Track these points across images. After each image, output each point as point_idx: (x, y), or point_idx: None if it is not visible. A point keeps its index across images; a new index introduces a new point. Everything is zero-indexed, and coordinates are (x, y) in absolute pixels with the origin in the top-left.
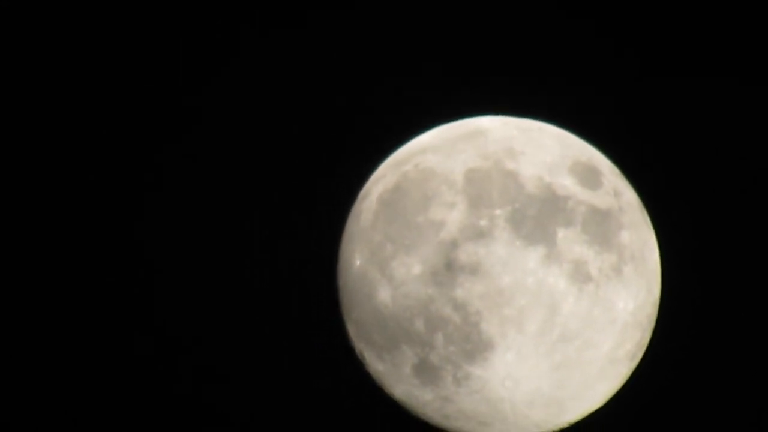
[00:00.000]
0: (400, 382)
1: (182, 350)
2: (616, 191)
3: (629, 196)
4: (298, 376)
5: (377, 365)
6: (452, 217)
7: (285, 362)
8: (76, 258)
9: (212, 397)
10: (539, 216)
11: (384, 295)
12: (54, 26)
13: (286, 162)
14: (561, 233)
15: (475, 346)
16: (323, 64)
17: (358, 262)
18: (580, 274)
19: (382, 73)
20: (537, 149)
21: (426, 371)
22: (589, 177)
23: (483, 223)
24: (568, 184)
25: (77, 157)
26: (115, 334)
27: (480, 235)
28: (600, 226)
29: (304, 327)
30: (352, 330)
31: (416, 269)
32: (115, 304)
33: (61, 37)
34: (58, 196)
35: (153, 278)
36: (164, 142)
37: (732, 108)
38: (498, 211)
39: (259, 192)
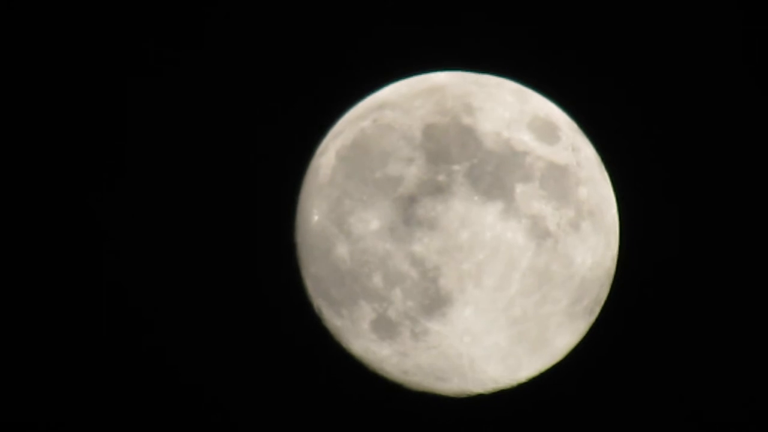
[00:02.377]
0: (358, 337)
1: (138, 310)
2: (575, 147)
3: (587, 151)
4: (255, 332)
5: (335, 321)
6: (410, 172)
7: (242, 318)
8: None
9: (171, 355)
10: (497, 171)
11: (342, 250)
12: None
13: (244, 117)
14: (519, 188)
15: (433, 301)
16: (280, 20)
17: (315, 218)
18: (538, 230)
19: (339, 29)
20: (495, 105)
21: (384, 327)
22: (547, 132)
23: (441, 178)
24: (526, 140)
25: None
26: (83, 296)
27: (438, 190)
28: (558, 182)
29: (261, 282)
30: (309, 285)
31: (374, 225)
32: (72, 258)
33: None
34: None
35: (108, 238)
36: (126, 100)
37: (691, 61)
38: (456, 167)
39: (216, 148)
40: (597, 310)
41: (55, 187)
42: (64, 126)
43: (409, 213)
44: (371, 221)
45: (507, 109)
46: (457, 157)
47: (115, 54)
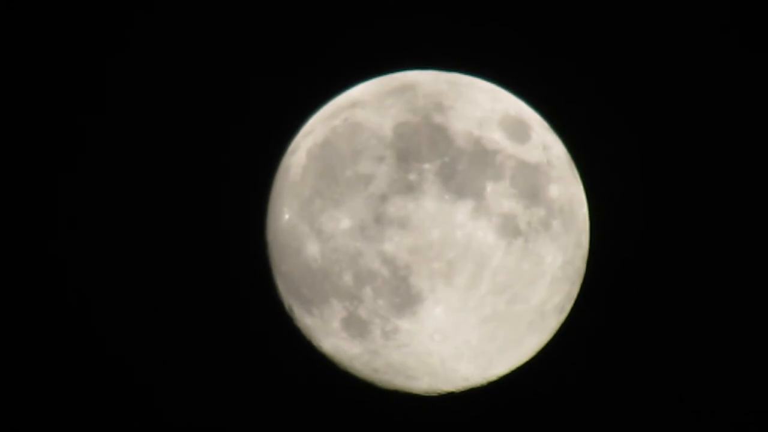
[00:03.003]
0: (329, 335)
1: (105, 310)
2: (545, 145)
3: (558, 150)
4: (226, 330)
5: (306, 319)
6: (381, 171)
7: (213, 316)
8: None
9: (140, 354)
10: (468, 170)
11: (313, 249)
12: None
13: (214, 115)
14: (490, 187)
15: (403, 299)
16: (253, 18)
17: (286, 216)
18: (509, 228)
19: (311, 27)
20: (466, 103)
21: (354, 325)
22: (518, 131)
23: (412, 177)
24: (497, 139)
25: None
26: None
27: (409, 189)
28: (529, 180)
29: (232, 281)
30: (280, 284)
31: (345, 223)
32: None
33: None
34: None
35: (75, 238)
36: (100, 96)
37: (662, 60)
38: (427, 165)
39: (186, 146)
40: (568, 308)
41: (22, 189)
42: (29, 124)
43: (380, 211)
44: (342, 220)
45: (478, 108)
46: (428, 156)
47: (87, 49)
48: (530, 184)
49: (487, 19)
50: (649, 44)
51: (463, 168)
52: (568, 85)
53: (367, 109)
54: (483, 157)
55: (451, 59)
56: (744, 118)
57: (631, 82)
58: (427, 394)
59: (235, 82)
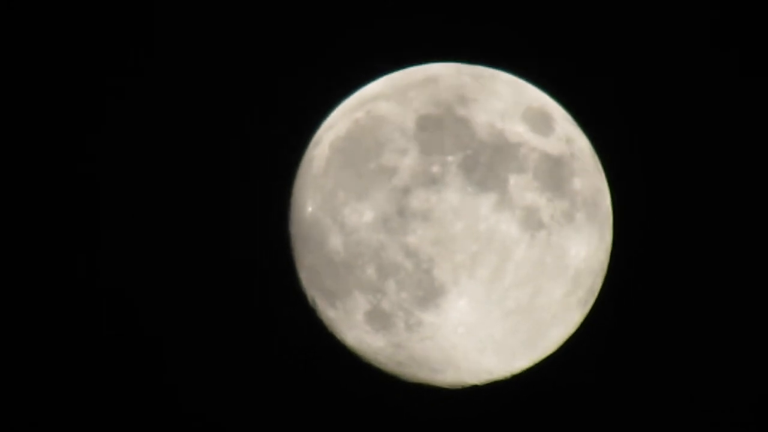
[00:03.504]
0: (352, 328)
1: (132, 302)
2: (568, 138)
3: (581, 142)
4: (249, 323)
5: (329, 312)
6: (404, 163)
7: (236, 309)
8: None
9: (166, 346)
10: (491, 162)
11: (336, 241)
12: None
13: (239, 109)
14: (513, 180)
15: (427, 292)
16: (275, 11)
17: (310, 209)
18: (532, 221)
19: (334, 20)
20: (489, 96)
21: (378, 318)
22: (541, 124)
23: (435, 169)
24: (520, 131)
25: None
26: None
27: (432, 181)
28: (552, 173)
29: (255, 274)
30: (304, 277)
31: (368, 216)
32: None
33: None
34: None
35: (102, 232)
36: (122, 94)
37: (686, 53)
38: (450, 158)
39: (211, 140)
40: (591, 301)
41: (50, 188)
42: (56, 123)
43: (403, 204)
44: (365, 212)
45: (501, 101)
46: (451, 149)
47: (108, 47)
48: (553, 177)
49: (511, 12)
50: (674, 37)
51: (486, 160)
52: (592, 77)
53: (390, 101)
54: (506, 150)
55: (473, 52)
56: None
57: (656, 74)
58: (450, 387)
59: (258, 76)
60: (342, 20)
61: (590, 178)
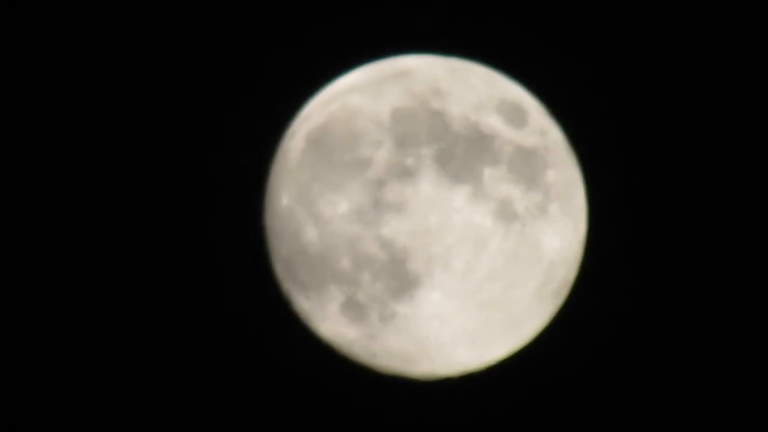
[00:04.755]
0: (327, 320)
1: (99, 299)
2: (542, 130)
3: (555, 135)
4: (223, 316)
5: (304, 304)
6: (379, 155)
7: (210, 301)
8: None
9: (135, 343)
10: (466, 155)
11: (311, 233)
12: None
13: (214, 100)
14: (487, 172)
15: (401, 284)
16: (247, 3)
17: (284, 201)
18: (506, 213)
19: (308, 12)
20: (463, 89)
21: (352, 309)
22: (515, 116)
23: (410, 161)
24: (494, 123)
25: None
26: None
27: (407, 173)
28: (526, 165)
29: (229, 266)
30: (278, 269)
31: (343, 208)
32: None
33: None
34: None
35: (66, 223)
36: (92, 84)
37: (660, 43)
38: (425, 150)
39: (185, 130)
40: (564, 293)
41: (18, 186)
42: (27, 122)
43: (377, 196)
44: (340, 204)
45: (475, 93)
46: (425, 141)
47: (85, 35)
48: (528, 169)
49: (485, 4)
50: (649, 29)
51: (461, 153)
52: (566, 70)
53: (364, 94)
54: (480, 142)
55: (447, 44)
56: (749, 106)
57: (632, 65)
58: (425, 379)
59: (232, 67)
60: (315, 13)
61: (564, 170)
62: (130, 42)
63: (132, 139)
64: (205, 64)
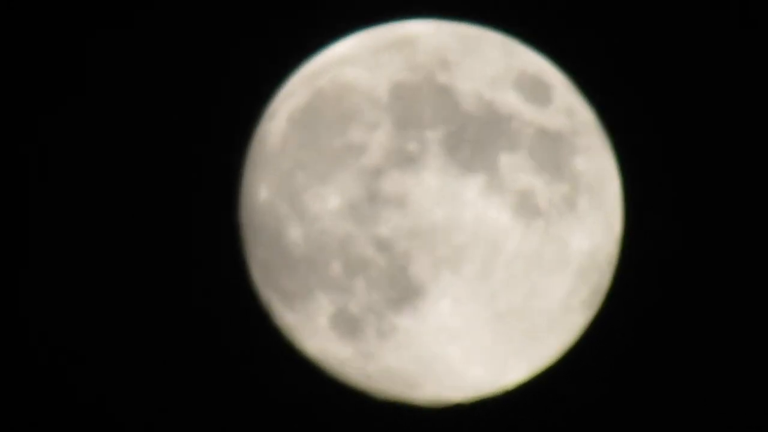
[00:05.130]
0: (314, 335)
1: (58, 304)
2: (570, 110)
3: (585, 115)
4: (192, 330)
5: (287, 316)
6: (375, 140)
7: (179, 313)
8: None
9: (99, 354)
10: (478, 139)
11: (295, 232)
12: None
13: (179, 75)
14: (504, 159)
15: (402, 292)
16: None
17: (264, 194)
18: (526, 208)
19: None
20: (476, 60)
21: (344, 323)
22: (537, 92)
23: (412, 147)
24: (512, 101)
25: None
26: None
27: (408, 161)
28: (550, 151)
29: (200, 271)
30: (257, 274)
31: (333, 202)
32: None
33: None
34: None
35: (30, 219)
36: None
37: (712, 15)
38: (429, 133)
39: (145, 111)
40: (597, 303)
41: None
42: None
43: (374, 188)
44: (329, 198)
45: (490, 65)
46: (430, 122)
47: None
48: (552, 156)
49: None
50: None
51: (472, 136)
52: (598, 38)
53: (359, 66)
54: (496, 124)
55: (457, 6)
56: None
57: (676, 34)
58: (430, 405)
59: (201, 35)
60: None
61: (596, 157)
62: (87, 20)
63: (87, 128)
64: (168, 29)
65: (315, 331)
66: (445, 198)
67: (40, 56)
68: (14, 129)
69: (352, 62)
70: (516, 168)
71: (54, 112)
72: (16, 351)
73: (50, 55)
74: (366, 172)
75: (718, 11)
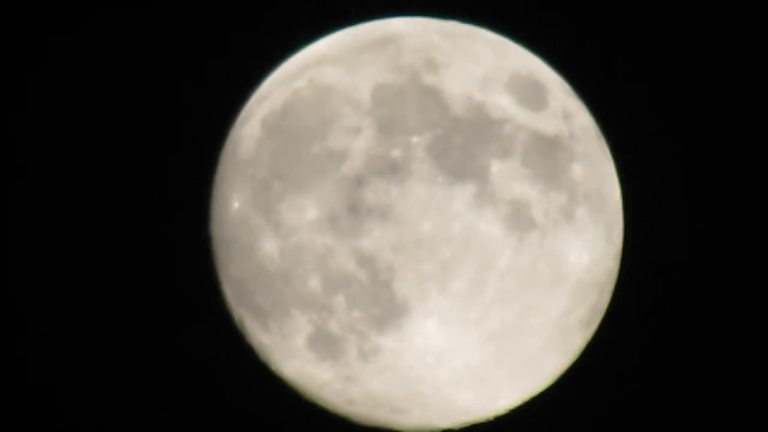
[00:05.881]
0: (291, 357)
1: (25, 321)
2: (566, 113)
3: (583, 119)
4: (163, 350)
5: (261, 336)
6: (357, 146)
7: (146, 333)
8: None
9: (65, 374)
10: (468, 145)
11: (270, 246)
12: None
13: (147, 77)
14: (496, 167)
15: (386, 310)
16: None
17: (236, 205)
18: (520, 219)
19: None
20: (465, 60)
21: (324, 343)
22: (531, 95)
23: (396, 153)
24: (504, 104)
25: None
26: None
27: (392, 169)
28: (545, 158)
29: (168, 287)
30: (229, 291)
31: (311, 213)
32: None
33: None
34: None
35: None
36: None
37: (712, 11)
38: (415, 139)
39: (113, 116)
40: (596, 322)
41: None
42: None
43: (355, 198)
44: (307, 209)
45: (480, 65)
46: (416, 127)
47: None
48: (547, 163)
49: None
50: None
51: (462, 142)
52: (596, 36)
53: (339, 67)
54: (486, 129)
55: (445, 3)
56: None
57: (678, 32)
58: None
59: (172, 34)
60: None
61: (594, 164)
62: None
63: (56, 131)
64: (137, 26)
65: (292, 352)
66: (432, 209)
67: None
68: None
69: (332, 62)
70: (509, 176)
71: (24, 112)
72: None
73: (17, 56)
74: (347, 181)
75: (719, 12)
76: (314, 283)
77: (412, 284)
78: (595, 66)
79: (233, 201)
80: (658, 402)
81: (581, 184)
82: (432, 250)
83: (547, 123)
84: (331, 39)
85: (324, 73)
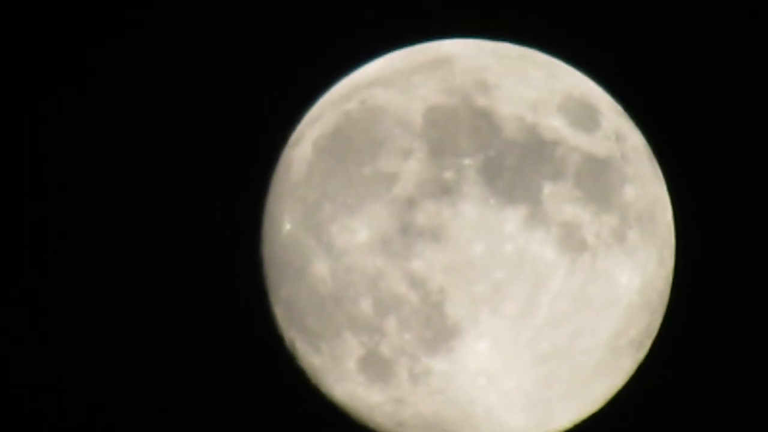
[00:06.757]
0: (342, 379)
1: (77, 342)
2: (618, 135)
3: (635, 140)
4: (213, 372)
5: (312, 358)
6: (408, 168)
7: (197, 354)
8: None
9: (116, 394)
10: (520, 167)
11: (321, 268)
12: None
13: (199, 100)
14: (548, 188)
15: (437, 332)
16: None
17: (288, 226)
18: (572, 241)
19: None
20: (517, 81)
21: (375, 365)
22: (583, 116)
23: (448, 175)
24: (556, 126)
25: None
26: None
27: (444, 190)
28: (598, 180)
29: (220, 309)
30: (280, 313)
31: (362, 235)
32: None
33: None
34: None
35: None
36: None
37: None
38: (467, 161)
39: (162, 137)
40: (647, 344)
41: None
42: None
43: (406, 220)
44: (358, 231)
45: (532, 87)
46: (468, 149)
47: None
48: (599, 185)
49: None
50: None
51: (513, 164)
52: (648, 59)
53: (390, 88)
54: (539, 150)
55: (497, 25)
56: None
57: (733, 54)
58: None
59: (223, 57)
60: None
61: (646, 186)
62: (112, 35)
63: (101, 152)
64: (188, 50)
65: (343, 374)
66: (483, 231)
67: (56, 67)
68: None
69: (384, 84)
70: (561, 198)
71: (69, 132)
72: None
73: (64, 71)
74: (398, 203)
75: None
76: (365, 305)
77: (463, 306)
78: (647, 87)
79: (284, 223)
80: (710, 424)
81: (633, 206)
82: (484, 271)
83: (599, 145)
84: (383, 61)
85: (375, 94)
